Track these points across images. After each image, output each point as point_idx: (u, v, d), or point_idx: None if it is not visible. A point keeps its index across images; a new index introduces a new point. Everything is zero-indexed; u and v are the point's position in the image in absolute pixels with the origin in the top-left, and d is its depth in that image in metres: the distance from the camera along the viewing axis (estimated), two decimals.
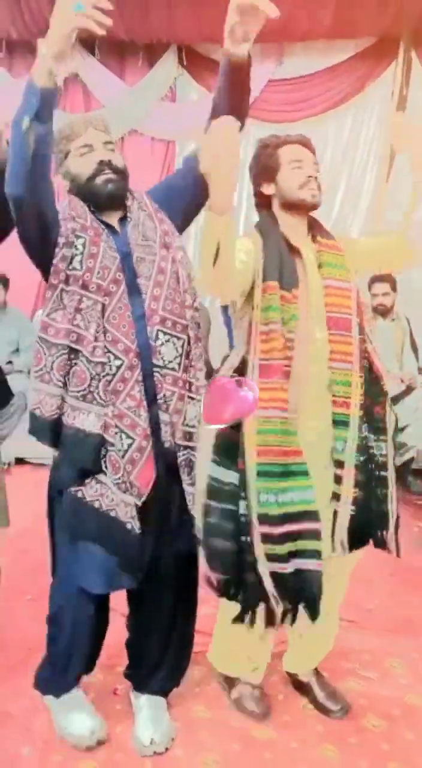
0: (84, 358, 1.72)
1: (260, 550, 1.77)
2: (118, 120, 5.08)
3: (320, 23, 4.74)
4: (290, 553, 1.80)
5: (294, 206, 1.96)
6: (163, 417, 1.78)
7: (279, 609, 1.81)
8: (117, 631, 2.03)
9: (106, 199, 1.81)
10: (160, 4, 4.47)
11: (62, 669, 1.95)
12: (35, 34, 4.88)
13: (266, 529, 1.77)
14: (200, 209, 1.90)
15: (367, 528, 1.94)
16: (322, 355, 1.87)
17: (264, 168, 1.99)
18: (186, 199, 1.92)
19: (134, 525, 1.73)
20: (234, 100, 1.81)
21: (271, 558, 1.78)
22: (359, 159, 5.32)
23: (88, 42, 5.24)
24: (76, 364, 1.73)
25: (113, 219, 1.84)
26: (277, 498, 1.78)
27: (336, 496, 1.87)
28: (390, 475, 1.94)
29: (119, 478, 1.73)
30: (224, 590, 1.85)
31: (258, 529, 1.77)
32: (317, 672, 2.16)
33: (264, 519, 1.77)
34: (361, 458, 1.88)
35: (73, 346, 1.72)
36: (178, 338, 1.81)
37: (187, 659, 2.05)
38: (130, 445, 1.74)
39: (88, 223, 1.78)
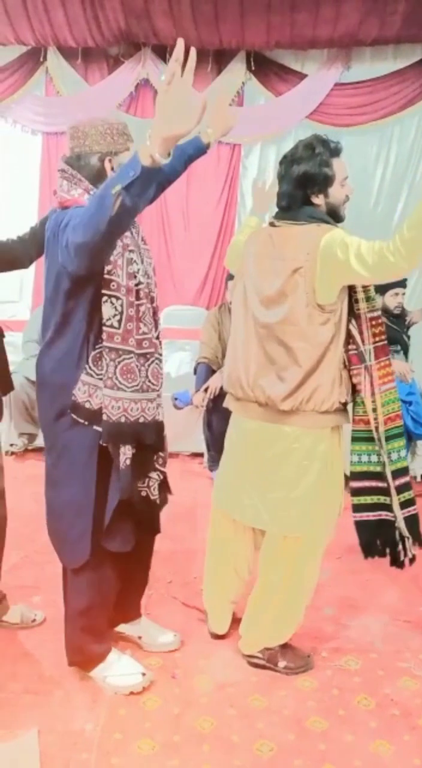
0: (155, 359, 1.91)
1: (396, 500, 2.06)
2: None
3: (390, 28, 4.74)
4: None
5: (337, 219, 2.07)
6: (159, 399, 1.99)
7: (410, 548, 2.13)
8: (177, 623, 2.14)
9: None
10: (233, 12, 4.55)
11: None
12: (110, 42, 5.02)
13: (400, 480, 2.09)
14: None
15: None
16: None
17: (324, 178, 2.00)
18: None
19: (158, 498, 2.00)
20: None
21: (404, 504, 2.09)
22: None
23: (159, 48, 5.37)
24: (156, 365, 1.91)
25: None
26: (403, 454, 2.10)
27: None
28: None
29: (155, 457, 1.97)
30: (370, 551, 2.16)
31: (394, 483, 2.08)
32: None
33: (397, 474, 2.09)
34: None
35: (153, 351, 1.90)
36: None
37: None
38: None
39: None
